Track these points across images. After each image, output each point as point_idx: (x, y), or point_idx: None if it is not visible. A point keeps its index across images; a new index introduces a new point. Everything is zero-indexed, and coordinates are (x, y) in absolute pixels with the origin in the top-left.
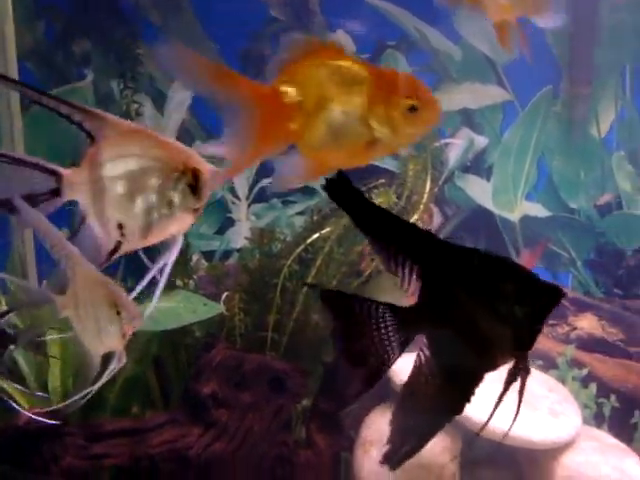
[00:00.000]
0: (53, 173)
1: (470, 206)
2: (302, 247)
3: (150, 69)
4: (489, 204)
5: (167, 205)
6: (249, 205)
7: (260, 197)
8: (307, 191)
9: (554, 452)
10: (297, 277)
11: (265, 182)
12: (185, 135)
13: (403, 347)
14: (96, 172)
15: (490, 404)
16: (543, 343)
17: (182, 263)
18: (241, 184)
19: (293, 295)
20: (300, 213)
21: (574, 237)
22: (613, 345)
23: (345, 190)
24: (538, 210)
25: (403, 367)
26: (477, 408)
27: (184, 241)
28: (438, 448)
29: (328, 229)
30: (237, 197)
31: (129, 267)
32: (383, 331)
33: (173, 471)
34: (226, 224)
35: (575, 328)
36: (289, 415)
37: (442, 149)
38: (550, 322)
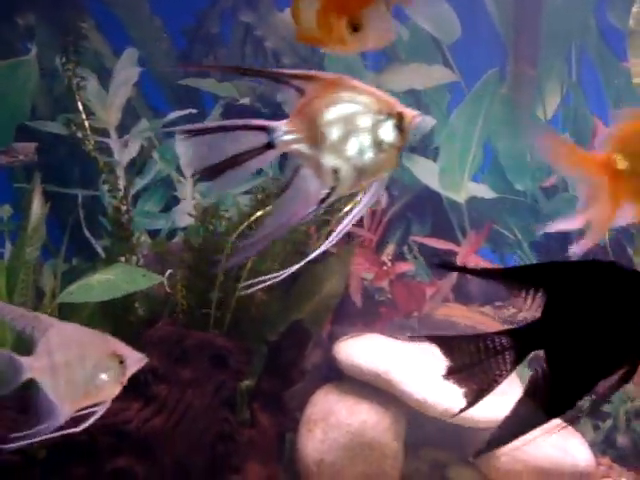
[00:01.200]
0: (264, 129)
1: (417, 187)
2: (245, 224)
3: (96, 44)
4: (435, 185)
5: (377, 146)
6: (195, 183)
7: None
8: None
9: None
10: None
11: None
12: (130, 112)
13: (515, 365)
14: (309, 121)
15: (435, 381)
16: (488, 325)
17: (125, 239)
18: (188, 162)
19: (237, 272)
20: (246, 192)
21: (520, 219)
22: None
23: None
24: (484, 191)
25: (349, 349)
26: (420, 387)
27: (127, 216)
28: (381, 427)
29: (270, 207)
30: (183, 175)
31: (72, 247)
32: (499, 354)
33: (111, 445)
34: (172, 202)
35: (521, 310)
36: (232, 392)
37: None
38: (496, 304)
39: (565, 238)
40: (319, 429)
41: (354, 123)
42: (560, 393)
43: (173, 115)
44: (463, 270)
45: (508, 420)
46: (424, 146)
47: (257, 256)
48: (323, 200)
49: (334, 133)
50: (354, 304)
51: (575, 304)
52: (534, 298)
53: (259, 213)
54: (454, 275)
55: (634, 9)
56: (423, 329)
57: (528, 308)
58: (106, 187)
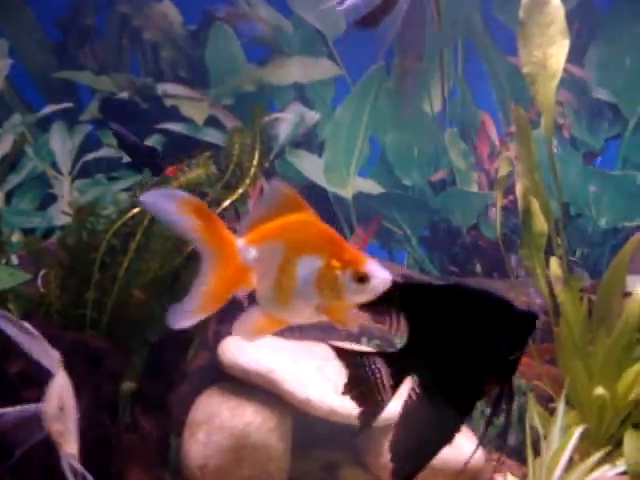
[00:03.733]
0: None
1: (302, 182)
2: (121, 222)
3: None
4: (321, 180)
5: None
6: (72, 181)
7: (84, 172)
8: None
9: (385, 430)
10: (117, 252)
11: (89, 156)
12: (2, 106)
13: (395, 389)
14: None
15: (319, 381)
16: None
17: None
18: (63, 159)
19: (114, 270)
20: (126, 189)
21: (408, 214)
22: None
23: None
24: (371, 187)
25: (233, 349)
26: (303, 386)
27: None
28: (266, 428)
29: None
30: (60, 172)
31: None
32: (378, 377)
33: None
34: (48, 201)
35: None
36: (109, 396)
37: (272, 124)
38: None
39: (454, 232)
40: (202, 432)
41: None
42: (435, 418)
43: (48, 109)
44: None
45: (391, 444)
46: (309, 141)
47: (134, 252)
48: None
49: None
50: (240, 304)
51: (435, 327)
52: (397, 323)
53: (137, 210)
54: None
55: (524, 0)
56: (311, 328)
57: (390, 328)
58: None
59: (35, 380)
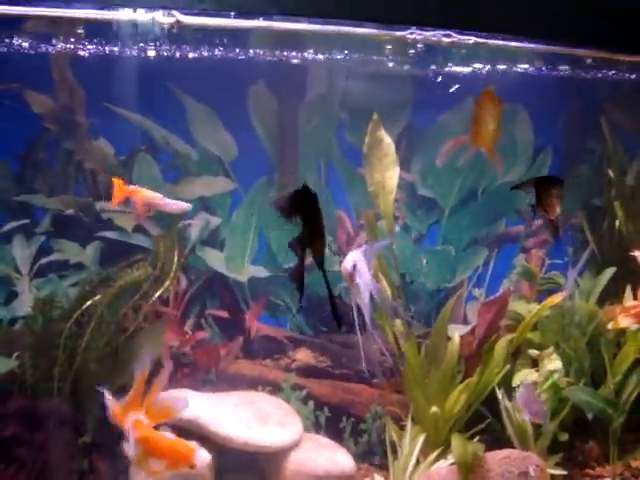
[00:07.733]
0: None
1: (209, 271)
2: (79, 312)
3: None
4: (223, 269)
5: None
6: (31, 280)
7: (40, 273)
8: (78, 266)
9: (283, 453)
10: (76, 337)
11: (43, 260)
12: None
13: (304, 252)
14: None
15: (234, 421)
16: (270, 373)
17: None
18: (23, 263)
19: (73, 351)
20: (74, 285)
21: (289, 291)
22: (323, 370)
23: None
24: (261, 272)
25: None
26: (224, 427)
27: None
28: None
29: (99, 297)
30: (20, 273)
31: None
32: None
33: None
34: (11, 297)
35: (294, 360)
36: (75, 448)
37: (185, 229)
38: (274, 356)
39: (323, 301)
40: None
41: None
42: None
43: (9, 225)
44: None
45: None
46: (213, 240)
47: (89, 336)
48: None
49: None
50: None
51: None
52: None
53: (89, 302)
54: (240, 339)
55: (367, 139)
56: (220, 382)
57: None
58: None
59: (24, 441)
